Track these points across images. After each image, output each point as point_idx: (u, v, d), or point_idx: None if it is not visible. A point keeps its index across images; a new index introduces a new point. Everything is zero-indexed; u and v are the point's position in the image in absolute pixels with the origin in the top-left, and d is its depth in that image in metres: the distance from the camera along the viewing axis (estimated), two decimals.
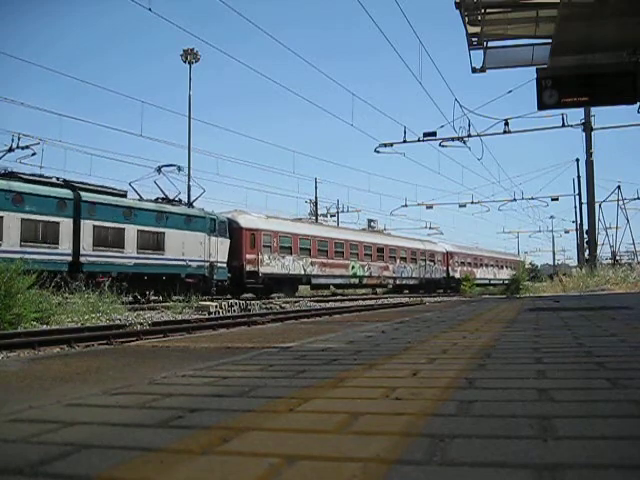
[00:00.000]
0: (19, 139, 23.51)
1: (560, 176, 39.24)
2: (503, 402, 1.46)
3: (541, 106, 11.03)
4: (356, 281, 33.54)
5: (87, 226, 18.18)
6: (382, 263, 35.06)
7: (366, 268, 33.90)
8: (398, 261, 37.15)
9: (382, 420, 1.30)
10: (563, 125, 22.23)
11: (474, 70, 12.09)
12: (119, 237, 19.16)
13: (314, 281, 30.18)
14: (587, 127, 24.38)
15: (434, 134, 21.79)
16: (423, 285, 38.71)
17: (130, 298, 17.39)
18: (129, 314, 12.53)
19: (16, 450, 1.12)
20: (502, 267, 51.13)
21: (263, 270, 26.13)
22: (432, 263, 40.52)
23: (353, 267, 32.90)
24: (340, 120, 25.87)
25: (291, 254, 28.35)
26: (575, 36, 10.32)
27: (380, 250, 35.25)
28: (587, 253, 27.71)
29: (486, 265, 48.37)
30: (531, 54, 11.90)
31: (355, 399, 1.55)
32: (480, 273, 46.35)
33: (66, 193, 17.93)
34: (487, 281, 45.92)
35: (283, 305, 19.27)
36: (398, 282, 37.17)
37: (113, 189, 20.46)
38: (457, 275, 42.31)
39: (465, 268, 44.09)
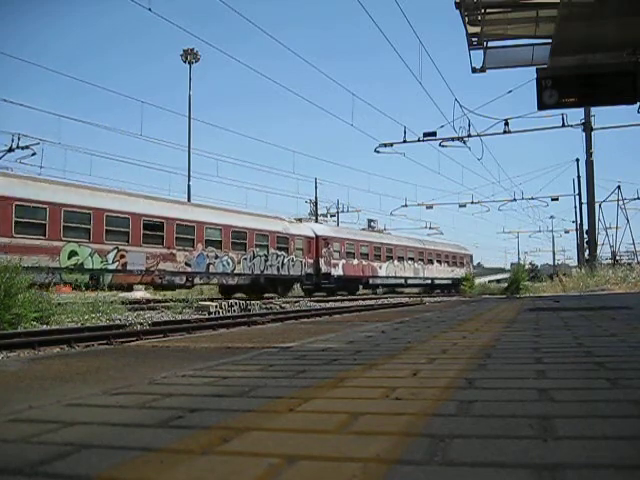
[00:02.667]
0: (19, 139, 23.59)
1: (560, 176, 39.30)
2: (503, 402, 1.46)
3: (541, 106, 11.02)
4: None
5: None
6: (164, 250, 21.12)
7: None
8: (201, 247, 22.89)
9: (382, 420, 1.30)
10: (563, 125, 22.23)
11: (474, 70, 12.08)
12: None
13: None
14: (587, 127, 24.39)
15: (434, 134, 21.78)
16: (258, 285, 25.46)
17: None
18: (129, 314, 12.53)
19: (16, 450, 1.12)
20: (433, 262, 42.08)
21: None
22: (283, 252, 27.02)
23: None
24: (340, 120, 25.88)
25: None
26: (575, 36, 10.31)
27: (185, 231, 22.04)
28: (587, 253, 27.71)
29: (401, 259, 37.68)
30: (531, 54, 11.89)
31: (355, 399, 1.55)
32: (388, 269, 35.98)
33: None
34: (402, 281, 37.87)
35: (283, 305, 19.27)
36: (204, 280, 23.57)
37: None
38: (338, 271, 30.86)
39: (357, 261, 32.86)
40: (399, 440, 1.12)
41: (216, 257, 23.39)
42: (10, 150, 23.62)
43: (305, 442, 1.13)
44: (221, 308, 15.49)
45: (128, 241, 19.69)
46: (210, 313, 14.67)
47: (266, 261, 26.13)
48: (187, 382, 1.90)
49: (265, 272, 25.93)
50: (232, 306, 16.03)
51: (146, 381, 1.91)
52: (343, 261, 32.04)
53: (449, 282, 43.30)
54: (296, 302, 21.49)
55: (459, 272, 45.01)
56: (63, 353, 6.01)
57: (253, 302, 18.14)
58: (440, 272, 42.83)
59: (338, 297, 29.22)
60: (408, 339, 3.22)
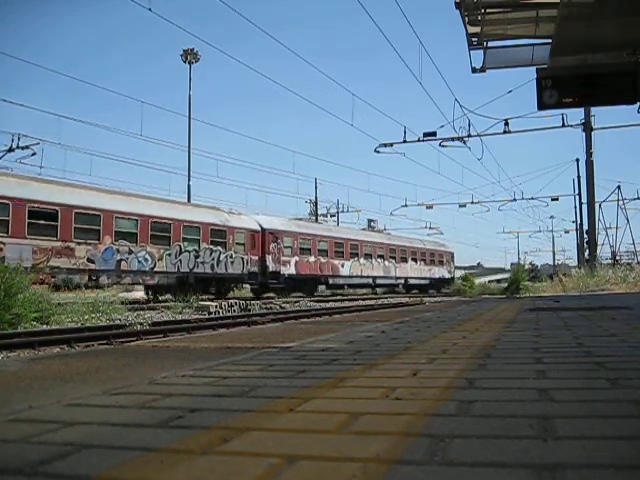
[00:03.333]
0: (19, 139, 23.59)
1: (560, 176, 39.29)
2: (503, 402, 1.46)
3: (541, 106, 11.02)
4: None
5: None
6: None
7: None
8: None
9: (382, 420, 1.30)
10: (563, 125, 22.24)
11: (474, 70, 12.08)
12: None
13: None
14: (587, 127, 24.39)
15: (434, 134, 21.78)
16: (187, 285, 20.96)
17: None
18: (129, 314, 12.54)
19: (16, 450, 1.12)
20: (407, 260, 38.36)
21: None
22: (219, 248, 23.57)
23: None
24: (340, 120, 25.89)
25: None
26: (575, 36, 10.31)
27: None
28: (587, 253, 27.71)
29: (369, 256, 34.06)
30: (531, 54, 11.89)
31: (355, 399, 1.55)
32: (352, 268, 32.49)
33: None
34: (369, 280, 34.34)
35: (283, 305, 19.27)
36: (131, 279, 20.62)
37: None
38: (289, 269, 27.59)
39: (313, 259, 29.37)
40: (399, 440, 1.12)
41: (130, 252, 19.77)
42: (10, 150, 23.63)
43: (305, 442, 1.13)
44: (221, 308, 15.49)
45: (7, 232, 16.42)
46: (210, 313, 14.67)
47: (197, 257, 22.39)
48: (187, 382, 1.90)
49: (195, 270, 22.24)
50: (232, 306, 16.03)
51: (146, 381, 1.91)
52: (296, 258, 28.24)
53: (426, 282, 39.99)
54: (296, 302, 21.49)
55: (438, 271, 42.08)
56: (63, 353, 6.01)
57: (253, 302, 18.13)
58: (415, 271, 39.21)
59: (338, 297, 29.18)
60: (408, 339, 3.22)
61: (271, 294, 27.15)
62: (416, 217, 53.43)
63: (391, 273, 36.36)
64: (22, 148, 23.79)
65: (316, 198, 47.64)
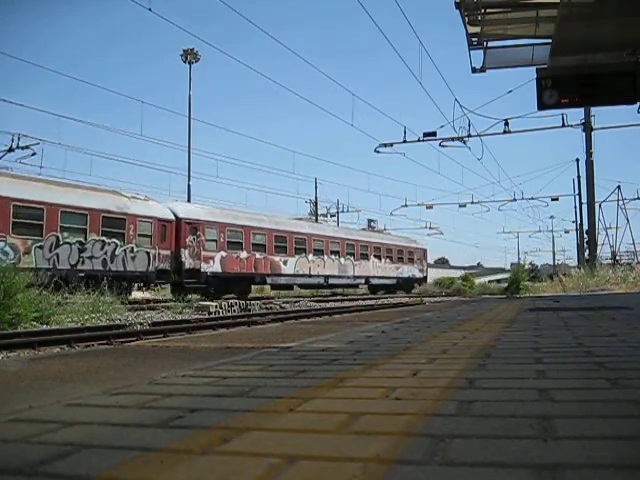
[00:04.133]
0: (19, 139, 23.58)
1: (560, 176, 39.30)
2: (503, 402, 1.46)
3: (541, 106, 11.02)
4: None
5: None
6: None
7: None
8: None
9: (382, 420, 1.30)
10: (563, 125, 22.24)
11: (474, 70, 12.09)
12: None
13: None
14: (587, 127, 24.39)
15: (434, 134, 21.78)
16: (68, 285, 14.93)
17: None
18: (129, 314, 12.53)
19: (16, 450, 1.12)
20: (369, 257, 33.83)
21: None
22: (115, 239, 19.57)
23: None
24: (340, 120, 25.89)
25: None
26: (575, 36, 10.31)
27: None
28: (587, 253, 27.71)
29: (320, 252, 29.56)
30: (531, 54, 11.89)
31: (355, 399, 1.55)
32: (298, 265, 28.02)
33: None
34: (320, 280, 29.90)
35: (283, 305, 19.28)
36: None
37: None
38: (213, 267, 23.33)
39: (246, 254, 25.03)
40: (399, 440, 1.12)
41: None
42: (10, 150, 23.63)
43: (305, 442, 1.13)
44: (221, 308, 15.49)
45: None
46: (210, 313, 14.67)
47: (82, 251, 18.27)
48: (187, 382, 1.90)
49: (81, 267, 18.15)
50: (232, 306, 16.03)
51: (146, 381, 1.91)
52: (222, 253, 23.72)
53: (393, 282, 35.80)
54: (296, 302, 21.49)
55: (408, 270, 37.79)
56: (63, 353, 6.01)
57: (253, 302, 18.13)
58: (379, 270, 34.66)
59: (338, 297, 29.12)
60: (408, 339, 3.22)
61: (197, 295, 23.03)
62: (416, 217, 53.45)
63: (348, 272, 31.85)
64: (22, 148, 23.80)
65: (316, 198, 47.68)
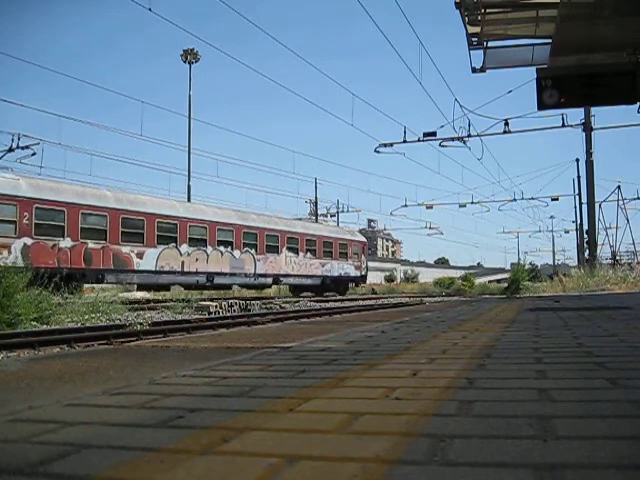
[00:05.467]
0: (19, 139, 23.58)
1: (560, 176, 39.35)
2: (503, 402, 1.46)
3: (541, 106, 11.02)
4: None
5: None
6: None
7: None
8: None
9: (382, 420, 1.30)
10: (563, 125, 22.22)
11: (474, 70, 12.09)
12: None
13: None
14: (587, 127, 24.40)
15: (434, 134, 21.78)
16: None
17: None
18: (129, 314, 12.53)
19: (16, 450, 1.12)
20: (280, 251, 27.01)
21: None
22: None
23: None
24: (340, 120, 25.86)
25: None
26: (575, 36, 10.31)
27: None
28: (587, 253, 27.72)
29: (200, 242, 22.98)
30: (531, 54, 11.90)
31: (355, 399, 1.55)
32: (161, 259, 21.35)
33: None
34: (200, 278, 22.86)
35: (283, 305, 19.28)
36: None
37: None
38: (4, 259, 14.91)
39: (70, 243, 18.55)
40: (399, 440, 1.12)
41: None
42: (10, 150, 23.64)
43: (305, 442, 1.13)
44: (221, 308, 15.49)
45: None
46: (210, 313, 14.67)
47: None
48: (187, 382, 1.90)
49: None
50: (232, 306, 16.03)
51: (146, 381, 1.91)
52: (27, 241, 17.31)
53: (316, 282, 29.25)
54: (296, 302, 21.49)
55: (339, 267, 30.89)
56: (63, 353, 6.01)
57: (253, 302, 18.13)
58: (296, 266, 27.92)
59: (338, 297, 29.02)
60: (408, 339, 3.22)
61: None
62: (416, 217, 53.48)
63: (246, 268, 25.06)
64: (22, 148, 23.81)
65: (316, 198, 47.67)
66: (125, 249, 20.32)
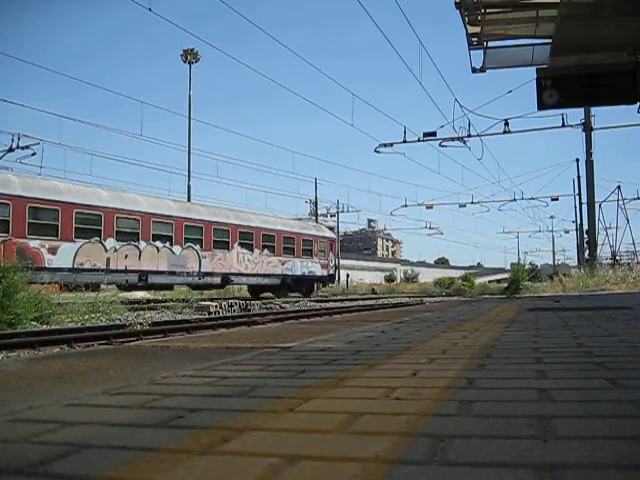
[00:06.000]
0: (19, 139, 23.58)
1: (560, 176, 39.38)
2: (503, 402, 1.46)
3: (541, 106, 11.03)
4: None
5: None
6: None
7: None
8: None
9: (382, 420, 1.30)
10: (563, 125, 22.22)
11: (474, 70, 12.09)
12: None
13: None
14: (587, 127, 24.40)
15: (434, 134, 21.78)
16: None
17: None
18: (129, 314, 12.54)
19: (16, 450, 1.12)
20: (231, 247, 24.36)
21: None
22: None
23: None
24: (340, 120, 25.85)
25: None
26: (575, 36, 10.32)
27: None
28: (587, 253, 27.72)
29: (131, 237, 20.23)
30: (531, 54, 11.90)
31: (355, 399, 1.55)
32: (80, 254, 18.63)
33: None
34: (129, 278, 20.03)
35: (283, 305, 19.28)
36: None
37: None
38: None
39: None
40: (399, 440, 1.12)
41: None
42: (10, 150, 23.64)
43: (305, 442, 1.13)
44: (221, 308, 15.49)
45: None
46: (210, 313, 14.67)
47: None
48: (187, 382, 1.90)
49: None
50: (232, 306, 16.03)
51: (146, 381, 1.91)
52: None
53: (276, 281, 26.54)
54: (296, 302, 21.49)
55: (302, 265, 28.14)
56: (63, 353, 6.01)
57: (253, 302, 18.14)
58: (251, 264, 25.22)
59: (338, 297, 28.92)
60: (408, 339, 3.22)
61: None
62: (416, 217, 53.49)
63: (189, 266, 22.34)
64: (22, 148, 23.81)
65: (316, 198, 47.65)
66: (33, 243, 17.60)
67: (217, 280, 23.97)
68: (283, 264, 27.04)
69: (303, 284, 28.44)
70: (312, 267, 28.99)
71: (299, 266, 28.01)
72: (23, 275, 10.09)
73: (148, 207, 21.25)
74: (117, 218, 19.83)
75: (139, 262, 20.46)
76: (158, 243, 21.22)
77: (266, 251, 26.22)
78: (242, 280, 25.53)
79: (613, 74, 10.52)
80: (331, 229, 34.88)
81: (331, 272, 30.92)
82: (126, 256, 19.90)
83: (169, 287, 22.68)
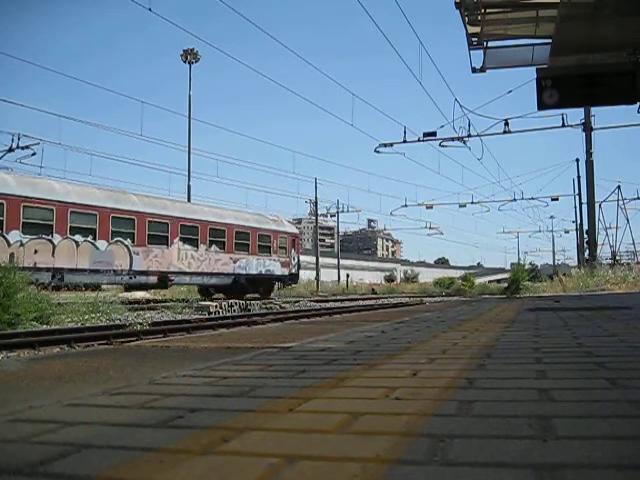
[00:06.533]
0: (19, 139, 23.56)
1: (560, 176, 39.38)
2: (503, 402, 1.46)
3: (541, 106, 11.03)
4: None
5: None
6: None
7: None
8: None
9: (382, 420, 1.30)
10: (563, 125, 22.23)
11: (474, 70, 12.10)
12: None
13: None
14: (587, 127, 24.41)
15: (434, 134, 21.79)
16: None
17: None
18: (129, 314, 12.54)
19: (16, 450, 1.12)
20: (170, 243, 21.51)
21: None
22: None
23: None
24: (340, 120, 25.82)
25: None
26: (575, 36, 10.32)
27: None
28: (587, 253, 27.72)
29: (42, 228, 17.60)
30: (531, 54, 11.90)
31: (355, 399, 1.55)
32: None
33: None
34: (38, 277, 13.94)
35: (283, 305, 19.28)
36: None
37: None
38: None
39: None
40: (399, 440, 1.12)
41: None
42: (10, 150, 23.62)
43: (305, 442, 1.13)
44: (221, 308, 15.49)
45: None
46: (210, 313, 14.67)
47: None
48: (187, 382, 1.90)
49: None
50: (232, 306, 16.03)
51: (146, 381, 1.91)
52: None
53: (226, 281, 23.66)
54: (296, 302, 21.48)
55: (259, 263, 25.36)
56: (63, 353, 6.01)
57: (253, 302, 18.14)
58: (195, 262, 22.30)
59: (338, 297, 28.92)
60: (408, 339, 3.22)
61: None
62: (416, 217, 53.49)
63: (118, 263, 19.56)
64: (22, 148, 23.79)
65: (316, 198, 47.63)
66: None
67: (153, 279, 21.05)
68: (235, 262, 24.22)
69: (260, 284, 25.70)
70: (270, 265, 26.34)
71: (254, 264, 25.26)
72: (24, 275, 10.09)
73: (65, 196, 18.48)
74: (24, 208, 17.17)
75: (52, 258, 17.73)
76: (78, 237, 18.52)
77: (214, 247, 23.33)
78: (184, 280, 22.53)
79: (613, 74, 10.52)
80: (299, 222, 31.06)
81: (293, 271, 28.00)
82: (35, 251, 17.34)
83: (95, 287, 17.75)
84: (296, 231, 29.97)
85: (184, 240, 21.95)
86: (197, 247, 22.50)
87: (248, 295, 23.77)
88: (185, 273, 22.01)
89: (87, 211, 18.86)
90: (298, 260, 28.58)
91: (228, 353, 2.74)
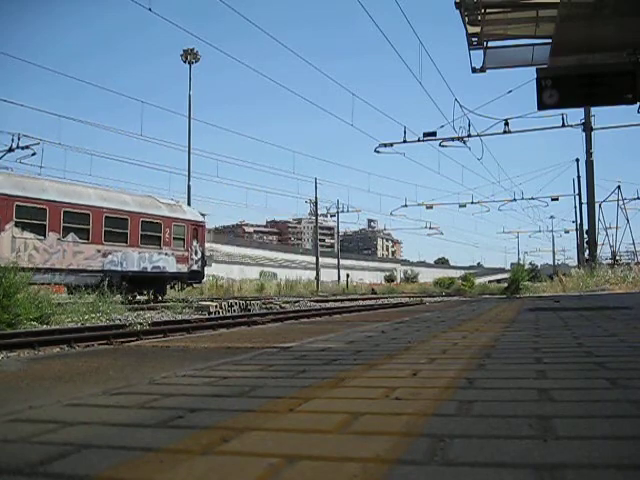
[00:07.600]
0: (19, 139, 23.55)
1: (560, 176, 39.35)
2: (503, 402, 1.46)
3: (541, 106, 11.03)
4: None
5: None
6: None
7: None
8: None
9: (382, 420, 1.30)
10: (563, 125, 22.23)
11: (474, 70, 12.10)
12: None
13: None
14: (587, 127, 24.40)
15: (434, 134, 21.79)
16: None
17: None
18: (129, 314, 12.54)
19: (16, 450, 1.12)
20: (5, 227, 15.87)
21: None
22: None
23: None
24: (340, 120, 25.82)
25: None
26: (575, 36, 10.32)
27: None
28: (587, 253, 27.72)
29: None
30: (531, 54, 11.91)
31: (355, 399, 1.55)
32: None
33: None
34: None
35: (283, 305, 19.28)
36: None
37: None
38: None
39: None
40: (399, 440, 1.12)
41: None
42: (10, 150, 23.60)
43: (305, 442, 1.13)
44: (221, 308, 15.49)
45: None
46: (210, 313, 14.67)
47: None
48: (187, 382, 1.90)
49: None
50: (232, 306, 16.03)
51: (146, 381, 1.91)
52: None
53: (91, 280, 17.19)
54: (296, 302, 21.49)
55: (142, 257, 20.30)
56: (63, 353, 6.01)
57: (253, 302, 18.13)
58: (42, 256, 17.03)
59: (338, 297, 28.98)
60: (408, 339, 3.22)
61: None
62: (416, 217, 53.47)
63: None
64: (22, 148, 23.77)
65: (316, 198, 47.62)
66: None
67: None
68: (105, 255, 18.99)
69: (145, 284, 20.72)
70: (160, 260, 20.97)
71: (136, 258, 20.04)
72: (24, 275, 10.09)
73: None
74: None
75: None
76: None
77: (72, 236, 18.06)
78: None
79: (613, 74, 10.52)
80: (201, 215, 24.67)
81: (195, 268, 22.52)
82: None
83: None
84: (200, 219, 23.86)
85: (22, 226, 16.63)
86: (44, 235, 17.33)
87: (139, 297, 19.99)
88: (23, 269, 16.07)
89: None
90: (203, 254, 23.21)
91: (228, 353, 2.74)
